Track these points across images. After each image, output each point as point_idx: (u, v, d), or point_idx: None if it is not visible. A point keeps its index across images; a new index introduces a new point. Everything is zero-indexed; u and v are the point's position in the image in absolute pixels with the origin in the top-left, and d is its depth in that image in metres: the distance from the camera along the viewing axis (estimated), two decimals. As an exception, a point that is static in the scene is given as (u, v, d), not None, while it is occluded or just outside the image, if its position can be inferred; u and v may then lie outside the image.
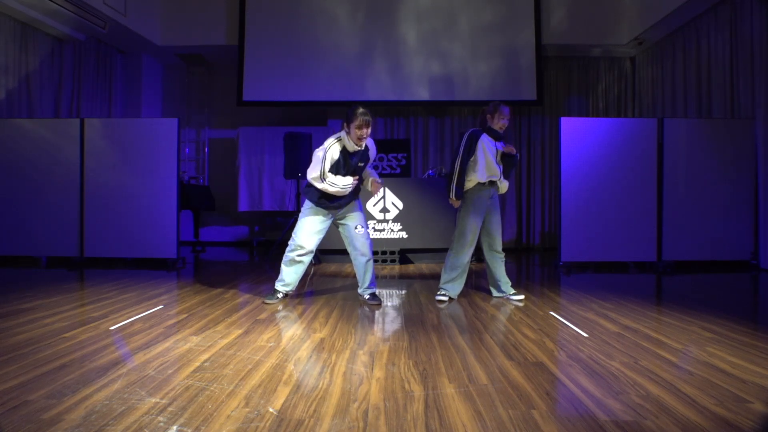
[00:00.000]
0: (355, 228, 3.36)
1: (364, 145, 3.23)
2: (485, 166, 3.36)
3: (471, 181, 3.40)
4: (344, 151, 3.21)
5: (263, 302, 3.35)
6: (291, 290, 3.44)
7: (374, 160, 3.43)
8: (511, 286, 3.57)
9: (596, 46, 7.49)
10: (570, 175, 5.13)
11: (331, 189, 3.18)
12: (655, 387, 1.83)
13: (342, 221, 3.41)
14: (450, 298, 3.50)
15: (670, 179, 5.17)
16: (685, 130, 5.20)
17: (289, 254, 3.35)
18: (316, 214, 3.33)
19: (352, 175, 3.27)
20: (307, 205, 3.35)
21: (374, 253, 5.50)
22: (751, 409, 1.65)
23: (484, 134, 3.40)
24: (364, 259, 3.39)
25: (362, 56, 7.34)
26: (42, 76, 6.36)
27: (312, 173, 3.19)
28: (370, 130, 3.17)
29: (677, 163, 5.18)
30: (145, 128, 5.28)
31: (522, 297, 3.53)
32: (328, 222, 3.38)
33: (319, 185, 3.19)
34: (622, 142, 5.16)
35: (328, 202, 3.28)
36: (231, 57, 7.61)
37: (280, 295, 3.40)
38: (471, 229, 3.39)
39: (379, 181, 3.42)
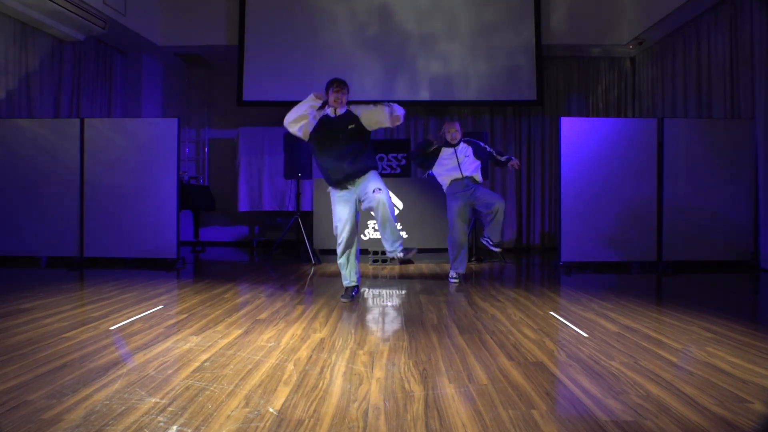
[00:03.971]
0: (373, 191, 3.31)
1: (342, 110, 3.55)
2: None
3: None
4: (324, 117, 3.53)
5: (341, 299, 3.45)
6: (351, 283, 3.50)
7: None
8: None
9: (596, 46, 7.49)
10: (570, 175, 5.13)
11: (290, 117, 3.48)
12: (655, 387, 1.83)
13: (363, 196, 3.41)
14: (459, 276, 4.26)
15: (670, 179, 5.16)
16: (685, 130, 5.19)
17: (337, 249, 3.49)
18: (337, 199, 3.45)
19: (339, 140, 3.43)
20: (331, 194, 3.53)
21: (374, 252, 5.52)
22: (751, 409, 1.65)
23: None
24: (384, 225, 3.39)
25: (362, 56, 7.34)
26: (42, 76, 6.35)
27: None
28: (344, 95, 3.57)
29: (677, 163, 5.17)
30: (145, 128, 5.27)
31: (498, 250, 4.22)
32: (352, 203, 3.42)
33: (290, 127, 3.50)
34: (622, 142, 5.15)
35: (331, 178, 3.44)
36: (231, 57, 7.60)
37: (351, 292, 3.47)
38: (451, 212, 4.22)
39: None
